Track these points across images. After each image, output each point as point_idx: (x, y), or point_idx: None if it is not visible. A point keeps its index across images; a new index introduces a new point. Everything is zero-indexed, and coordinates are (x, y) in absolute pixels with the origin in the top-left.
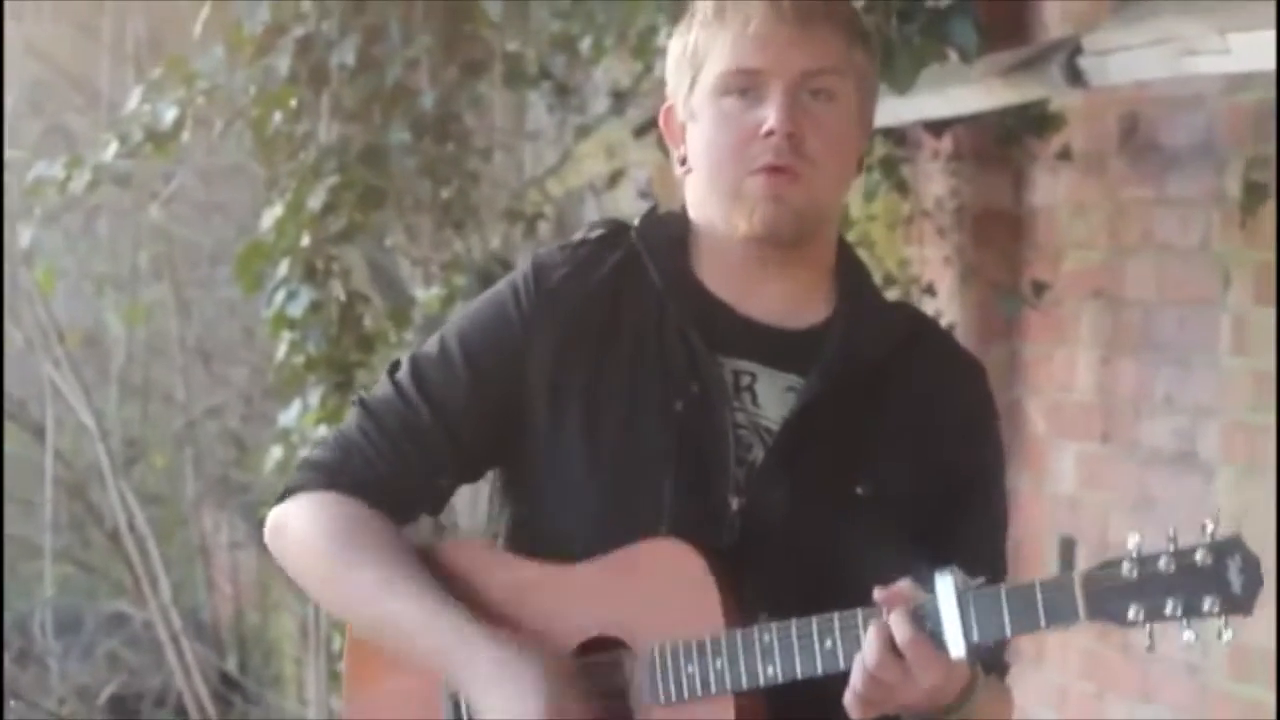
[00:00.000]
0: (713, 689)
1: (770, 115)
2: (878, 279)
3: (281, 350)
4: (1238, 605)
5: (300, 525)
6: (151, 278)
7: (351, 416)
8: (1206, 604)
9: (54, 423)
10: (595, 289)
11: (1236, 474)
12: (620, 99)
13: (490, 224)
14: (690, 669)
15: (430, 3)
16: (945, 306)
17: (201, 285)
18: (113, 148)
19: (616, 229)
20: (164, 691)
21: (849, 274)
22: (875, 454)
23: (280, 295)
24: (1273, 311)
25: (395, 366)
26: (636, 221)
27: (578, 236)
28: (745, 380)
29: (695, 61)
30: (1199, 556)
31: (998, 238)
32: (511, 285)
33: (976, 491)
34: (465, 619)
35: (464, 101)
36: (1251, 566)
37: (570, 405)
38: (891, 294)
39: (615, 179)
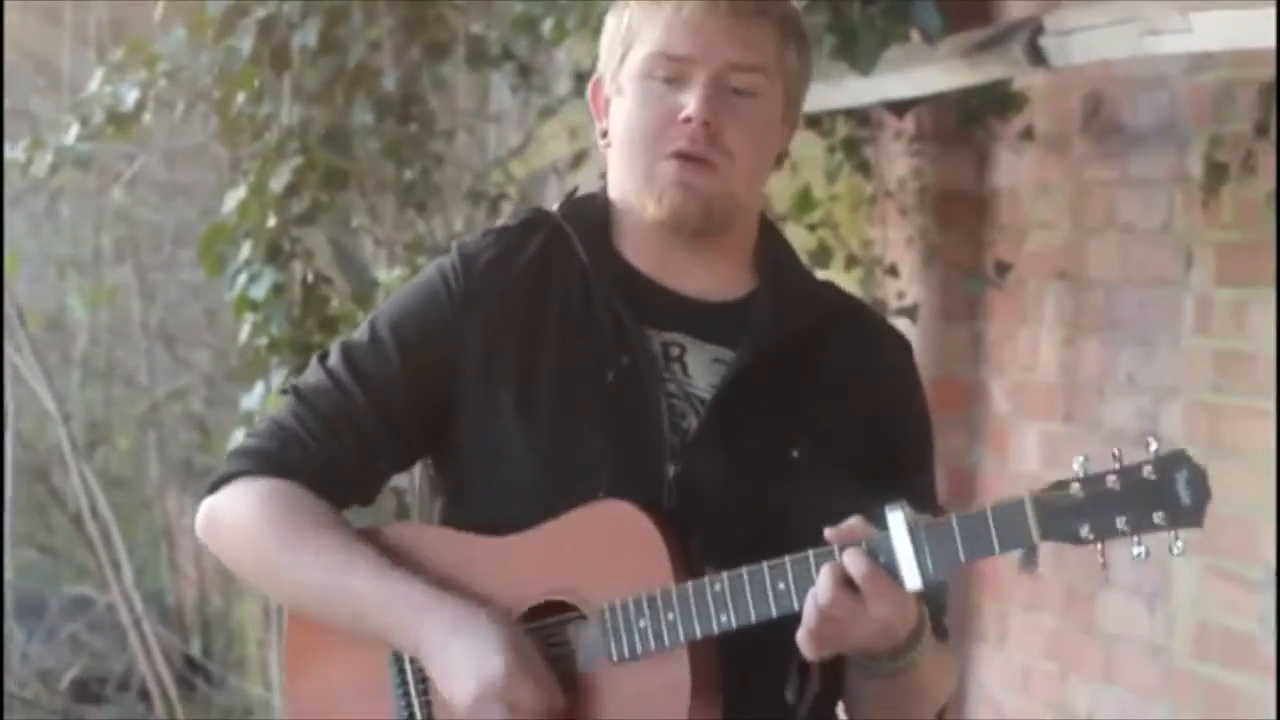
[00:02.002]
0: (666, 641)
1: (690, 103)
2: (840, 260)
3: (244, 332)
4: (1187, 517)
5: (238, 509)
6: (114, 260)
7: (285, 404)
8: (1156, 518)
9: (15, 406)
10: (522, 270)
11: (1199, 454)
12: (583, 80)
13: (453, 205)
14: (642, 624)
15: None
16: (908, 287)
17: (164, 268)
18: (74, 130)
19: (539, 213)
20: (127, 675)
21: (771, 250)
22: (808, 419)
23: (243, 277)
24: (1233, 291)
25: (325, 354)
26: (557, 205)
27: (501, 223)
28: (675, 351)
29: (627, 38)
30: (1146, 472)
31: (961, 218)
32: (440, 271)
33: (907, 462)
34: (416, 584)
35: (427, 83)
36: (1198, 479)
37: (503, 386)
38: (854, 275)
39: (578, 160)
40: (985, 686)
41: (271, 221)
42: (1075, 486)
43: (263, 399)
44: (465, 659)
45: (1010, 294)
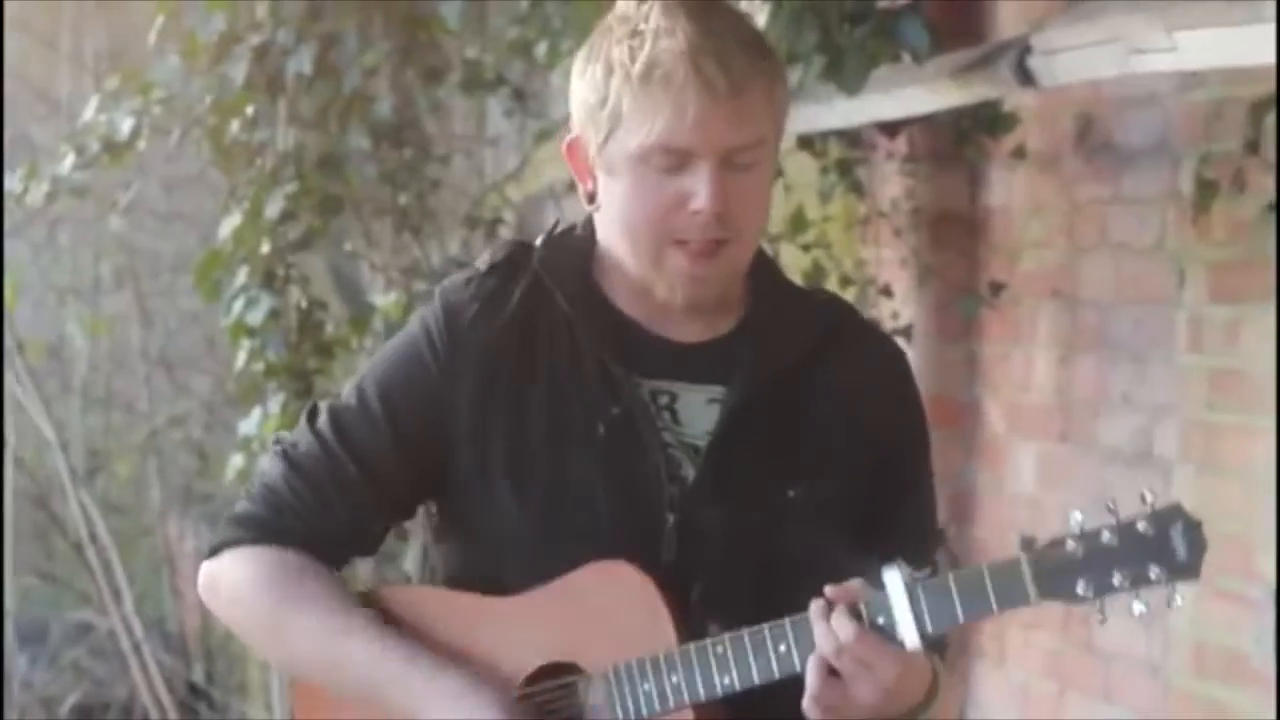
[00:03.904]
0: (670, 704)
1: (700, 193)
2: (834, 280)
3: (241, 358)
4: (1184, 571)
5: (236, 579)
6: (114, 288)
7: (275, 468)
8: (1153, 573)
9: (15, 434)
10: (506, 324)
11: (1194, 472)
12: None
13: (449, 229)
14: (647, 686)
15: (388, 9)
16: (902, 308)
17: (163, 294)
18: (69, 159)
19: (519, 254)
20: (129, 701)
21: (759, 274)
22: (803, 455)
23: (239, 303)
24: (1226, 309)
25: (314, 415)
26: (539, 243)
27: (482, 264)
28: (664, 400)
29: (614, 118)
30: (1141, 527)
31: (954, 238)
32: (424, 329)
33: (905, 476)
34: (416, 652)
35: (424, 108)
36: (1193, 531)
37: (495, 444)
38: (849, 295)
39: (575, 184)
40: (984, 706)
41: (266, 247)
42: (1071, 544)
43: (260, 424)
44: None
45: (1004, 314)
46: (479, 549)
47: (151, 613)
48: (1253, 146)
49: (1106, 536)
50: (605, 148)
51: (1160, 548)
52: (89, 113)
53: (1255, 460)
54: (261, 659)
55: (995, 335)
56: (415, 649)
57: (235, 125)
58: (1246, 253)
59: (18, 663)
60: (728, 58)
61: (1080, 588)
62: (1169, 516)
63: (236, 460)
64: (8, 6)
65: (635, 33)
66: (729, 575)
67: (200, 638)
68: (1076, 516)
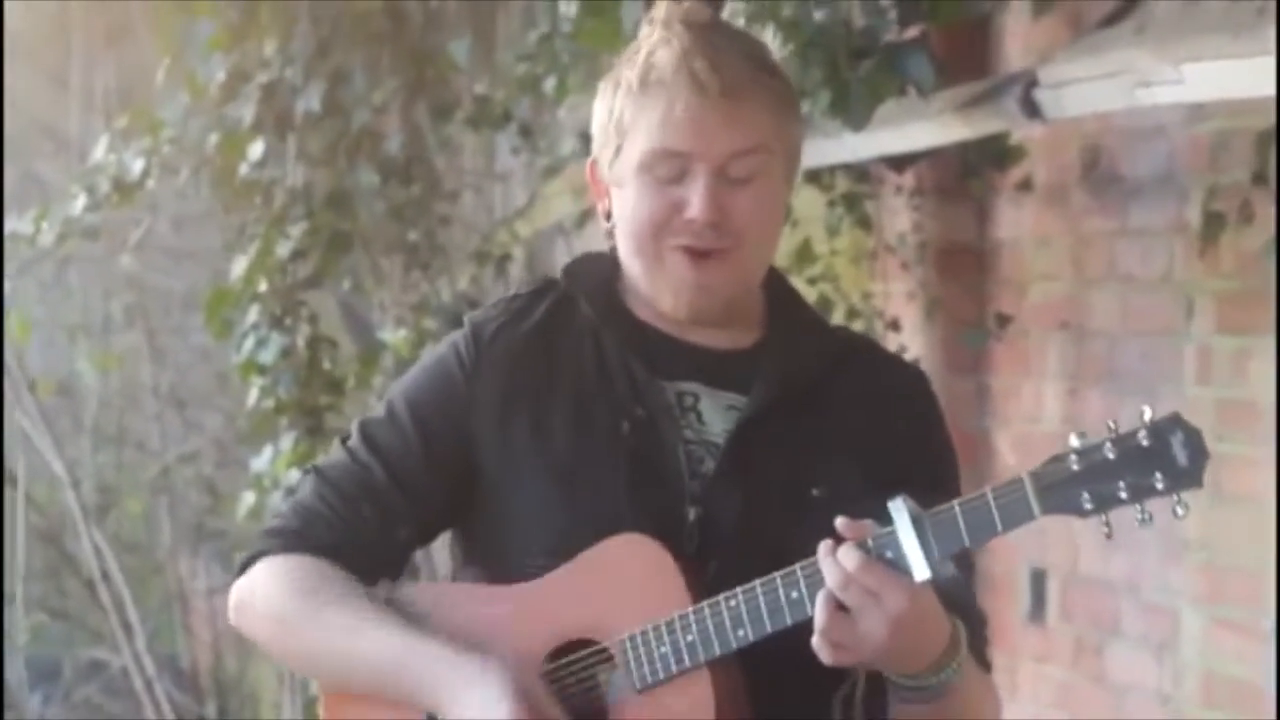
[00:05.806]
0: (687, 663)
1: (693, 200)
2: (841, 313)
3: (252, 396)
4: (1187, 478)
5: (262, 587)
6: (124, 326)
7: (307, 484)
8: (1157, 482)
9: (27, 471)
10: (529, 335)
11: (1204, 503)
12: (587, 139)
13: (459, 265)
14: (663, 649)
15: (396, 46)
16: (910, 341)
17: (174, 332)
18: (80, 200)
19: (546, 281)
20: None
21: (779, 296)
22: (827, 458)
23: (250, 341)
24: (1234, 340)
25: (346, 435)
26: (564, 265)
27: (512, 292)
28: (689, 401)
29: (620, 130)
30: (1141, 438)
31: (962, 271)
32: (452, 344)
33: (932, 483)
34: (436, 644)
35: (432, 144)
36: (1194, 439)
37: (519, 445)
38: (855, 329)
39: (584, 219)
40: None
41: (268, 285)
42: (1072, 459)
43: (271, 461)
44: (480, 710)
45: (1013, 346)
46: (504, 553)
47: (164, 650)
48: (1259, 178)
49: (1107, 449)
50: (615, 163)
51: (1162, 457)
52: (99, 152)
53: (1264, 491)
54: (286, 665)
55: (1004, 368)
56: (430, 639)
57: (244, 166)
58: (1254, 284)
59: (31, 701)
60: (721, 61)
61: (1085, 501)
62: (1168, 427)
63: (248, 497)
64: (18, 43)
65: (639, 50)
66: (749, 569)
67: (213, 675)
68: (1076, 434)
